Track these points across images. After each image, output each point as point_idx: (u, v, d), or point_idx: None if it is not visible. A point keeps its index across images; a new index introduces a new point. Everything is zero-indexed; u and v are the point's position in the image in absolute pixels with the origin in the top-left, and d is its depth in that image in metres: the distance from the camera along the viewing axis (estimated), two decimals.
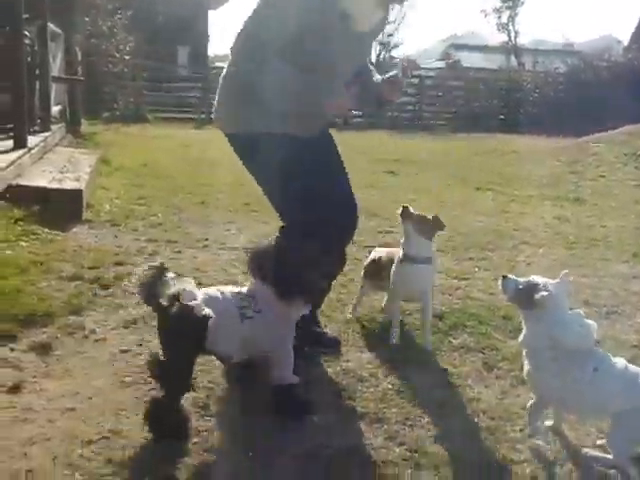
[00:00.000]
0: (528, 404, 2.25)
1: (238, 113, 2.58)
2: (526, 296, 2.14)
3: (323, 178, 2.58)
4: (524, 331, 2.20)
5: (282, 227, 2.75)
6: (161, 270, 2.06)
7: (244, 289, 2.29)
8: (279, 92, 2.40)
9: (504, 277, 2.26)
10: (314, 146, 2.57)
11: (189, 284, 2.09)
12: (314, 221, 2.46)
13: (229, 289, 2.26)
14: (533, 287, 2.14)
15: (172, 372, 2.06)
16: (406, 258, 2.91)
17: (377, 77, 2.77)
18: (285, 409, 2.28)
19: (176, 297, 2.00)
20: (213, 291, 2.21)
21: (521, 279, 2.21)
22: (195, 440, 2.09)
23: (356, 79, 2.68)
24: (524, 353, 2.22)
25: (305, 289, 2.27)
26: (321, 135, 2.68)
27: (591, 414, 2.23)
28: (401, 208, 2.95)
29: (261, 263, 2.27)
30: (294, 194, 2.54)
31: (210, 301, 2.08)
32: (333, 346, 2.84)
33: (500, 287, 2.27)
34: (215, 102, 2.69)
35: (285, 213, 2.72)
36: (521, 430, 2.27)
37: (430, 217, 2.96)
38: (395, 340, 2.95)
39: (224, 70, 2.66)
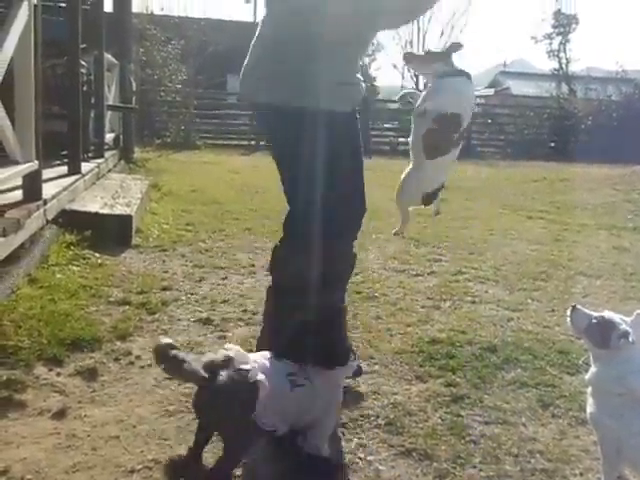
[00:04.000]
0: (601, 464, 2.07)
1: (284, 83, 2.32)
2: (601, 334, 1.97)
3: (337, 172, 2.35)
4: (592, 369, 2.03)
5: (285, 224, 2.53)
6: (170, 346, 1.88)
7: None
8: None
9: (573, 308, 2.08)
10: (351, 128, 2.44)
11: (233, 349, 1.93)
12: (320, 207, 2.29)
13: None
14: (610, 325, 1.97)
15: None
16: None
17: None
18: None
19: (215, 364, 1.86)
20: (258, 356, 2.04)
21: (593, 313, 2.05)
22: None
23: None
24: (589, 392, 2.05)
25: (350, 351, 2.14)
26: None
27: None
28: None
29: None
30: (299, 180, 2.35)
31: (259, 367, 1.93)
32: (355, 375, 2.68)
33: (568, 319, 2.09)
34: (253, 64, 2.41)
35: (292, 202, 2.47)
36: (581, 474, 2.14)
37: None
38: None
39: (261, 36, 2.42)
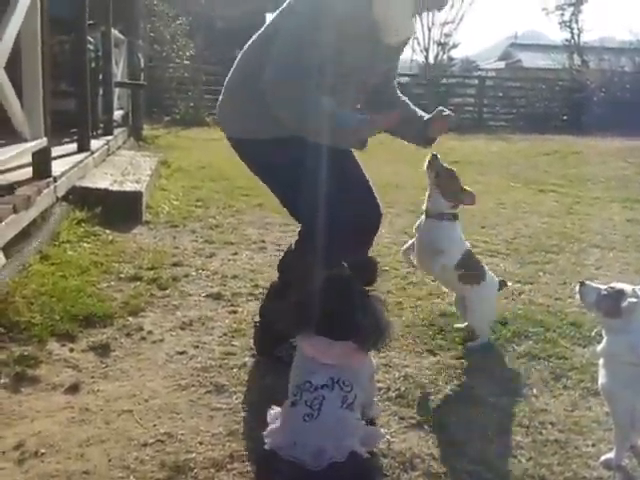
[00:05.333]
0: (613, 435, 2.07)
1: (254, 121, 2.38)
2: (612, 304, 1.97)
3: (341, 180, 2.34)
4: (604, 340, 2.03)
5: (300, 232, 2.58)
6: None
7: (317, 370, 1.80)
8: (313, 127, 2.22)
9: (582, 284, 2.08)
10: (330, 149, 2.41)
11: None
12: (332, 223, 2.26)
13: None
14: (620, 294, 1.96)
15: None
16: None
17: (419, 112, 2.65)
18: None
19: None
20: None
21: (602, 286, 2.04)
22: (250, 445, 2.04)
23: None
24: (601, 363, 2.04)
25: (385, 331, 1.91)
26: None
27: None
28: (430, 155, 2.82)
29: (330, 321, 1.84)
30: (311, 199, 2.33)
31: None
32: None
33: (577, 295, 2.09)
34: (225, 101, 2.51)
35: (303, 218, 2.53)
36: (594, 445, 2.14)
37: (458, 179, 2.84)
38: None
39: (237, 70, 2.47)
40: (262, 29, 2.45)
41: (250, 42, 2.46)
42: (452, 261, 2.80)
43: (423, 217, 2.87)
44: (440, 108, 2.57)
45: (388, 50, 2.44)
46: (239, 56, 2.47)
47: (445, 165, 2.84)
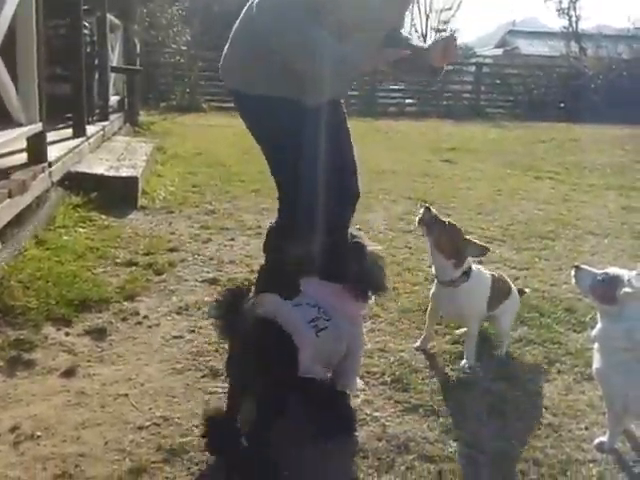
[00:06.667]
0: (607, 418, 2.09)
1: (259, 74, 2.32)
2: (607, 290, 1.96)
3: (325, 150, 2.32)
4: (599, 326, 2.03)
5: (280, 198, 2.52)
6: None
7: (303, 299, 2.04)
8: (315, 56, 2.14)
9: (577, 267, 2.07)
10: (323, 117, 2.32)
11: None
12: (309, 195, 2.28)
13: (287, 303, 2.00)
14: (616, 281, 1.95)
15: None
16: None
17: (422, 44, 2.52)
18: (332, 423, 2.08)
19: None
20: (281, 304, 1.95)
21: (598, 270, 2.04)
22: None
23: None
24: (595, 348, 2.05)
25: (379, 282, 2.11)
26: (335, 108, 2.47)
27: None
28: (422, 209, 2.56)
29: (325, 264, 2.07)
30: (291, 165, 2.33)
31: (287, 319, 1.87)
32: None
33: (573, 279, 2.08)
34: (229, 55, 2.42)
35: (283, 185, 2.48)
36: (587, 428, 2.16)
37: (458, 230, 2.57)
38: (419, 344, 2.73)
39: (242, 23, 2.38)
40: None
41: None
42: (482, 313, 2.64)
43: (435, 282, 2.65)
44: (439, 35, 2.50)
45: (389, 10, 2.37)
46: (246, 6, 2.37)
47: (439, 217, 2.56)
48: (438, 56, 2.37)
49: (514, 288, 2.82)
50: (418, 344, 2.72)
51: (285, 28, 2.14)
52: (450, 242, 2.51)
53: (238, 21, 2.41)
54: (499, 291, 2.70)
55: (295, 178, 2.31)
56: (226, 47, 2.43)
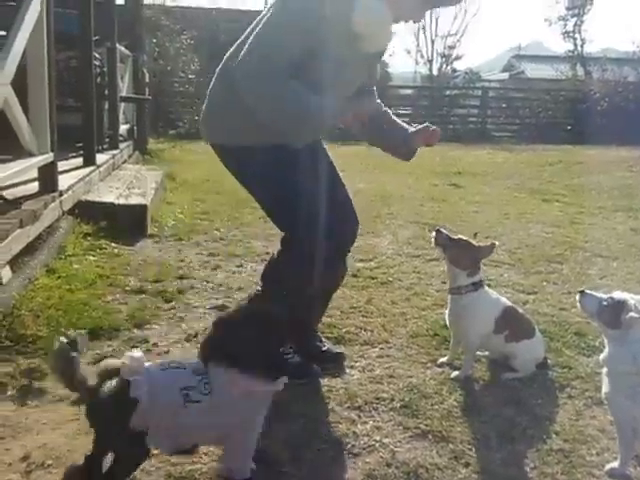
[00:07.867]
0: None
1: (238, 126, 2.40)
2: (612, 315, 1.96)
3: (318, 187, 2.45)
4: (606, 350, 2.03)
5: (283, 238, 2.61)
6: (73, 346, 1.72)
7: (190, 364, 1.84)
8: (285, 111, 2.25)
9: (582, 293, 2.08)
10: (309, 156, 2.45)
11: (134, 356, 1.74)
12: (314, 232, 2.38)
13: (183, 363, 1.84)
14: (621, 305, 1.95)
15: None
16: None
17: (402, 123, 2.72)
18: None
19: (107, 373, 1.72)
20: (157, 366, 1.82)
21: (603, 295, 2.04)
22: None
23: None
24: (604, 372, 2.05)
25: (280, 363, 1.94)
26: (315, 146, 2.56)
27: None
28: (434, 232, 2.72)
29: (218, 339, 1.82)
30: (291, 206, 2.44)
31: (149, 379, 1.72)
32: (335, 361, 2.73)
33: (578, 304, 2.09)
34: (209, 111, 2.50)
35: (285, 226, 2.58)
36: (598, 454, 2.14)
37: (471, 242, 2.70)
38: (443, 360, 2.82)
39: (219, 79, 2.47)
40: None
41: (230, 50, 2.45)
42: (482, 330, 2.67)
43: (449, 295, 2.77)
44: (427, 124, 2.64)
45: (367, 57, 2.45)
46: (220, 65, 2.48)
47: (451, 235, 2.72)
48: (421, 140, 2.62)
49: (539, 333, 2.80)
50: (444, 360, 2.81)
51: (263, 88, 2.21)
52: (465, 255, 2.67)
53: (215, 77, 2.49)
54: (515, 323, 2.73)
55: (295, 221, 2.44)
56: (206, 105, 2.51)
